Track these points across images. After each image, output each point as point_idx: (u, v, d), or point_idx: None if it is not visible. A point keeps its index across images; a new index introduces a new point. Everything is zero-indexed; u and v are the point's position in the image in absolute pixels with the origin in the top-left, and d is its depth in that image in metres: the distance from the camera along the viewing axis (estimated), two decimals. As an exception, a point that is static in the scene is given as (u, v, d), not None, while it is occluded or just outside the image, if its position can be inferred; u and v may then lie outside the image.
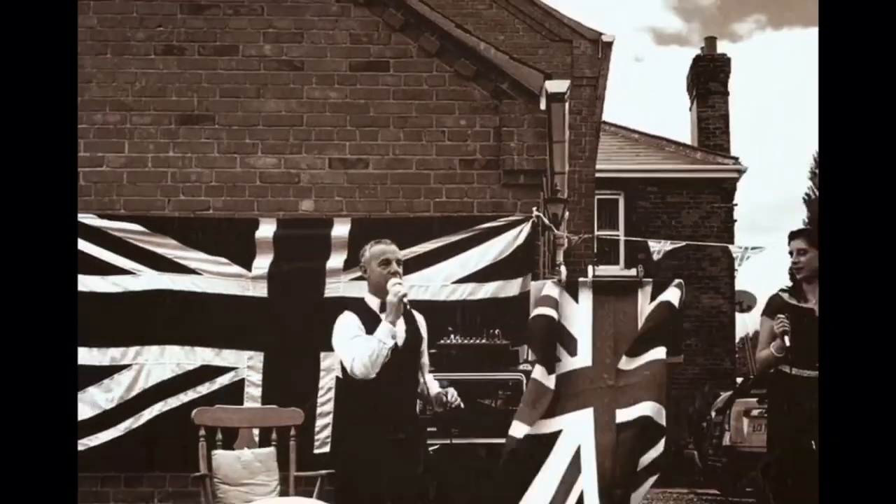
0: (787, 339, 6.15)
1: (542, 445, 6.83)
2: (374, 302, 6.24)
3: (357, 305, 6.33)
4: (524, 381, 7.52)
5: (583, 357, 7.08)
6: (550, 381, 6.97)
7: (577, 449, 6.75)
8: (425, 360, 6.50)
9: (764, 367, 6.74)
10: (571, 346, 7.13)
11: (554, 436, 6.86)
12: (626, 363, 6.95)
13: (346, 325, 6.17)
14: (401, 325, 6.16)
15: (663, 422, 6.73)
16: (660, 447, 6.71)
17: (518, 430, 6.83)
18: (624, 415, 6.77)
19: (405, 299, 6.02)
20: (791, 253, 6.60)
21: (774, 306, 6.56)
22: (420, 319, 6.46)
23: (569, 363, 7.09)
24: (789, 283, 7.02)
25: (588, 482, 6.63)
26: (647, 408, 6.72)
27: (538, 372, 6.99)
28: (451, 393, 6.31)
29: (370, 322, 6.10)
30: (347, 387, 6.29)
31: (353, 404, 6.25)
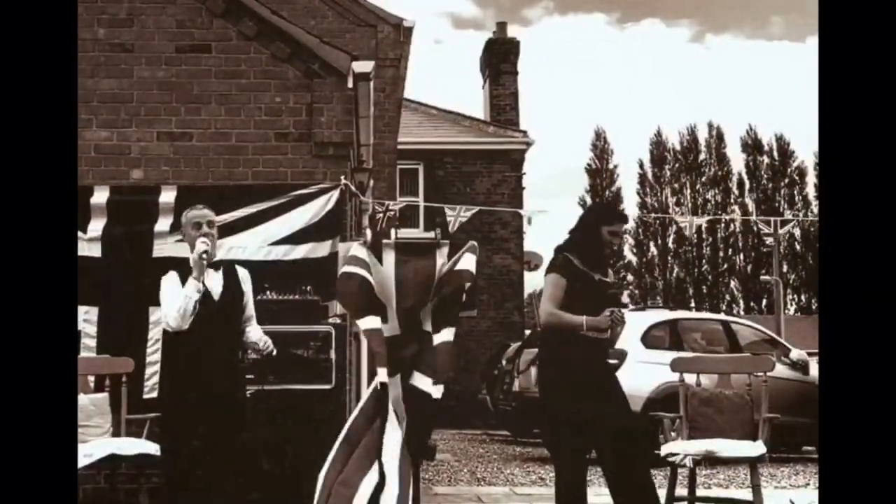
0: (610, 332, 6.25)
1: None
2: (192, 262, 6.42)
3: (185, 265, 6.57)
4: (333, 333, 7.76)
5: (392, 325, 6.95)
6: (376, 323, 6.73)
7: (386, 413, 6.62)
8: (249, 312, 6.67)
9: (559, 327, 6.43)
10: (382, 313, 7.04)
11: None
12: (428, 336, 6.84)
13: (166, 283, 6.42)
14: (218, 279, 6.40)
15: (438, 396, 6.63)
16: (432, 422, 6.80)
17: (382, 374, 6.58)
18: (417, 382, 6.69)
19: (204, 257, 6.26)
20: (614, 233, 6.48)
21: (566, 267, 6.45)
22: (243, 275, 6.64)
23: (384, 329, 6.94)
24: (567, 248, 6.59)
25: (391, 449, 6.51)
26: (427, 384, 6.66)
27: (368, 322, 6.70)
28: (264, 340, 6.58)
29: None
30: (171, 337, 6.45)
31: (175, 354, 6.45)
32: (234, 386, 6.50)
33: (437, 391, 6.68)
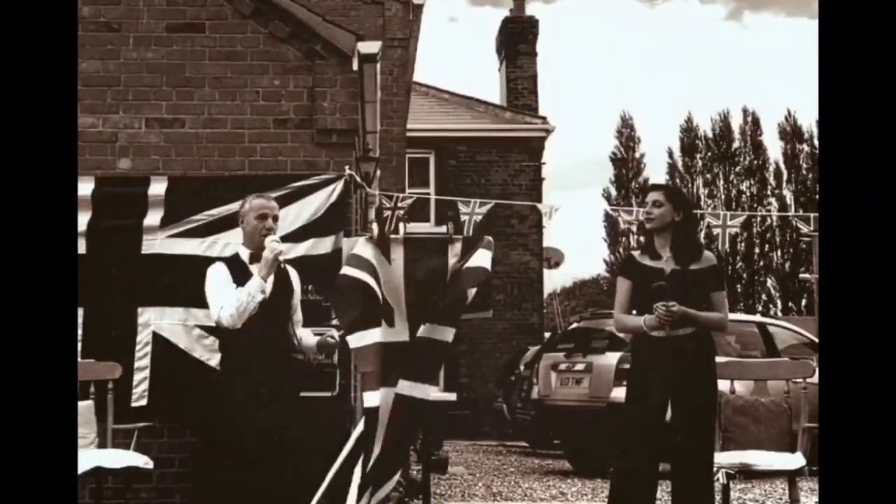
0: (667, 327, 6.15)
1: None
2: (245, 253, 6.39)
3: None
4: (336, 335, 7.73)
5: (400, 330, 6.93)
6: (369, 339, 6.77)
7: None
8: (298, 315, 6.61)
9: (627, 332, 6.76)
10: (389, 317, 7.00)
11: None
12: (424, 331, 6.74)
13: (216, 275, 6.30)
14: (270, 279, 6.25)
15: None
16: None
17: (371, 399, 6.58)
18: (405, 388, 6.62)
19: (280, 259, 6.18)
20: (646, 203, 6.49)
21: (628, 266, 6.58)
22: (293, 274, 6.58)
23: (387, 334, 6.87)
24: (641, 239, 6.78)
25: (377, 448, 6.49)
26: (428, 390, 6.70)
27: (358, 339, 6.73)
28: (331, 332, 6.49)
29: (240, 273, 6.24)
30: (222, 338, 6.46)
31: (226, 356, 6.38)
32: (289, 389, 6.38)
33: (432, 391, 6.73)
